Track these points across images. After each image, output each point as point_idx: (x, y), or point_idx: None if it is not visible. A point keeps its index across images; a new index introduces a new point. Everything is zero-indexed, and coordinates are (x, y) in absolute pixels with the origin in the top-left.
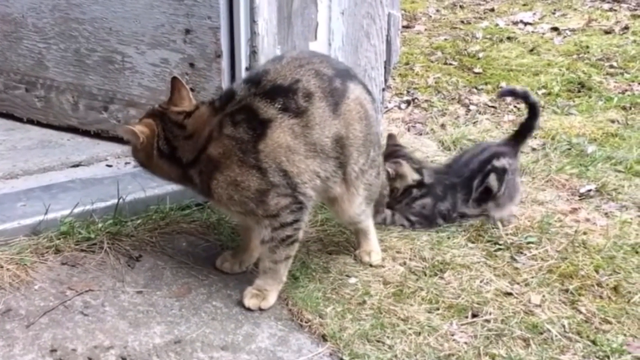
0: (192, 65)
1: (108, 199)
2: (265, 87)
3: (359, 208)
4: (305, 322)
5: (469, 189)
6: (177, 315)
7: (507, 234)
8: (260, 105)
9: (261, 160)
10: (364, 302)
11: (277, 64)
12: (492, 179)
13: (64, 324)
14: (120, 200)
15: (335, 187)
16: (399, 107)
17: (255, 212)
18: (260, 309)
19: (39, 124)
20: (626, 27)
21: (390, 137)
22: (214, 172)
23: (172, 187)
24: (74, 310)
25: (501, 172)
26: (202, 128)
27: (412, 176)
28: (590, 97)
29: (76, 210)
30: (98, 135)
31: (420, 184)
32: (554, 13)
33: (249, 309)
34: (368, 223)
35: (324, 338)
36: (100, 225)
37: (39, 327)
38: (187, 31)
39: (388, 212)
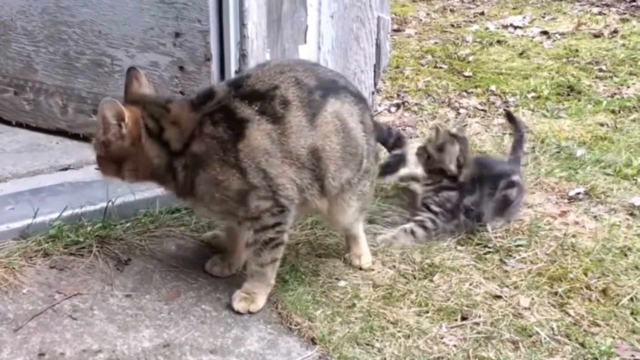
0: (181, 68)
1: (97, 203)
2: (244, 90)
3: (352, 217)
4: (295, 326)
5: (495, 184)
6: (166, 318)
7: (496, 237)
8: (238, 105)
9: (241, 159)
10: (354, 305)
11: (260, 69)
12: (515, 192)
13: (53, 327)
14: (110, 203)
15: (314, 200)
16: (389, 111)
17: (236, 214)
18: (250, 312)
19: (27, 127)
20: (615, 31)
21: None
22: (197, 168)
23: (161, 191)
24: (62, 314)
25: (520, 188)
26: (184, 119)
27: (451, 165)
28: (579, 100)
29: (65, 214)
30: (87, 138)
31: (453, 178)
32: (543, 17)
33: (238, 313)
34: (359, 228)
35: (313, 341)
36: (89, 228)
37: (27, 331)
38: (177, 34)
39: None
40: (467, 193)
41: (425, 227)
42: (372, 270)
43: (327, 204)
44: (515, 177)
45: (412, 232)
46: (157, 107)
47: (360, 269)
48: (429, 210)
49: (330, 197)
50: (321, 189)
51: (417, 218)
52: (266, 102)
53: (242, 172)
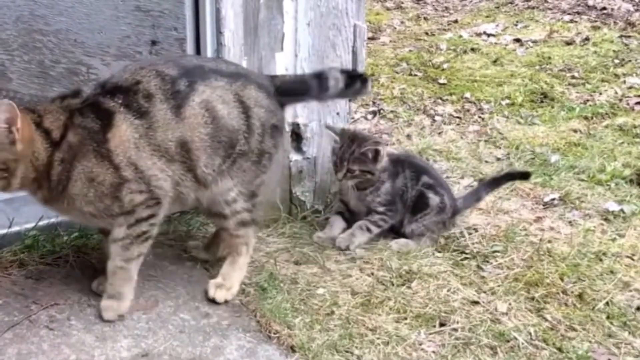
0: None
1: None
2: (108, 88)
3: (231, 195)
4: (274, 333)
5: (417, 177)
6: (144, 328)
7: (473, 243)
8: (101, 99)
9: (112, 150)
10: (332, 312)
11: (123, 70)
12: (431, 194)
13: (29, 338)
14: None
15: (189, 193)
16: (365, 118)
17: (111, 211)
18: (119, 316)
19: None
20: (587, 39)
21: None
22: (74, 161)
23: None
24: (39, 324)
25: (436, 193)
26: (55, 110)
27: (377, 165)
28: (552, 107)
29: (41, 224)
30: None
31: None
32: (516, 25)
33: (108, 321)
34: (248, 236)
35: (292, 349)
36: (65, 238)
37: (3, 343)
38: (153, 42)
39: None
40: (395, 175)
41: (378, 225)
42: (350, 277)
43: (208, 193)
44: (433, 181)
45: (368, 229)
46: (32, 103)
47: (213, 300)
48: (377, 212)
49: (207, 184)
50: (195, 179)
51: (370, 218)
52: (129, 96)
53: (113, 164)
